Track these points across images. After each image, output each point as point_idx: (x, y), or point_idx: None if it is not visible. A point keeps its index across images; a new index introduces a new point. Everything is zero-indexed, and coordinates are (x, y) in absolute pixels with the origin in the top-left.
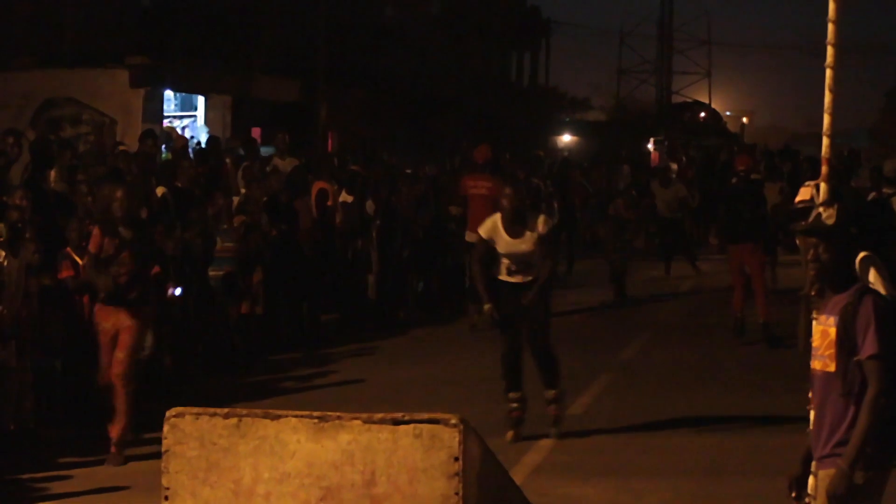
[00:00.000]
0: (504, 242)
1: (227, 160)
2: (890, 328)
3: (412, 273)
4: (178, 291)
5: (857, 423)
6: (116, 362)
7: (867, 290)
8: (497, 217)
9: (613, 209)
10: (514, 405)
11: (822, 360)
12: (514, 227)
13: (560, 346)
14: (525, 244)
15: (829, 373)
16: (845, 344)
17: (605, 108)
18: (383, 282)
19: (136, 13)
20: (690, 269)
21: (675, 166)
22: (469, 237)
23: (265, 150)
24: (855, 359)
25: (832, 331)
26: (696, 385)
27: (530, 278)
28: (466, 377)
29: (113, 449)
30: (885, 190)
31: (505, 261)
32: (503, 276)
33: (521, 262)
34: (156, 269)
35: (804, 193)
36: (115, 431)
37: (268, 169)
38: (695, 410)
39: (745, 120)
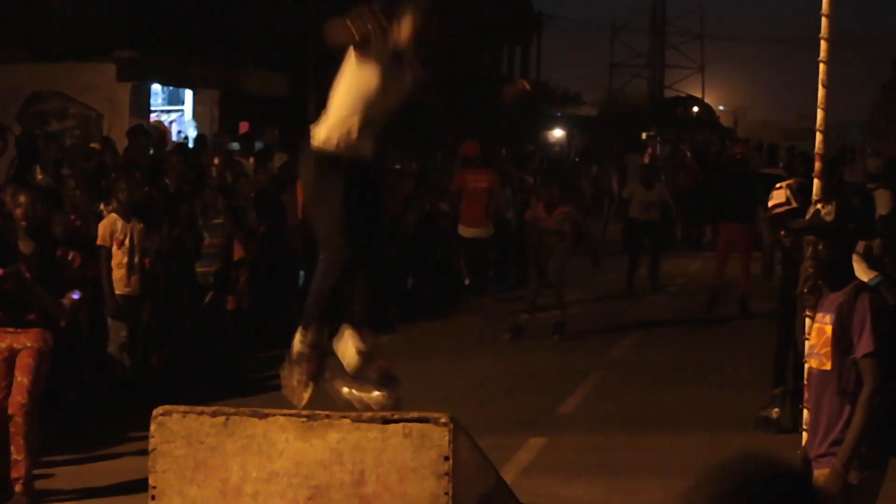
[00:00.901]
0: None
1: (216, 159)
2: (885, 327)
3: (403, 270)
4: (76, 296)
5: (852, 422)
6: (19, 389)
7: (863, 287)
8: None
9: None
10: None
11: (818, 358)
12: None
13: (551, 344)
14: None
15: (824, 371)
16: (841, 342)
17: (596, 103)
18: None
19: (124, 6)
20: (649, 278)
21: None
22: (463, 231)
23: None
24: (850, 357)
25: (828, 329)
26: (687, 383)
27: None
28: (457, 375)
29: (17, 494)
30: (868, 185)
31: None
32: None
33: None
34: (146, 262)
35: (778, 196)
36: (15, 473)
37: (277, 164)
38: (686, 409)
39: (738, 115)
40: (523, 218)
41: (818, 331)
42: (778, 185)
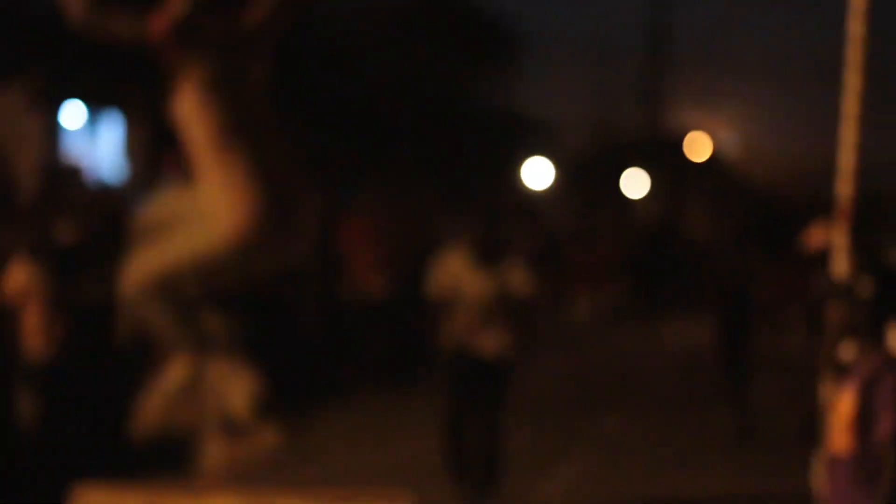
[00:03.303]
0: None
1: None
2: None
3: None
4: None
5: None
6: None
7: (894, 364)
8: None
9: None
10: None
11: (839, 437)
12: None
13: (529, 420)
14: None
15: (840, 455)
16: (864, 421)
17: (584, 136)
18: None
19: (32, 22)
20: None
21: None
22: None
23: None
24: (874, 439)
25: (851, 406)
26: (681, 464)
27: None
28: (423, 454)
29: None
30: None
31: None
32: None
33: None
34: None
35: (818, 235)
36: None
37: None
38: (681, 494)
39: (744, 152)
40: None
41: (841, 407)
42: (820, 222)
